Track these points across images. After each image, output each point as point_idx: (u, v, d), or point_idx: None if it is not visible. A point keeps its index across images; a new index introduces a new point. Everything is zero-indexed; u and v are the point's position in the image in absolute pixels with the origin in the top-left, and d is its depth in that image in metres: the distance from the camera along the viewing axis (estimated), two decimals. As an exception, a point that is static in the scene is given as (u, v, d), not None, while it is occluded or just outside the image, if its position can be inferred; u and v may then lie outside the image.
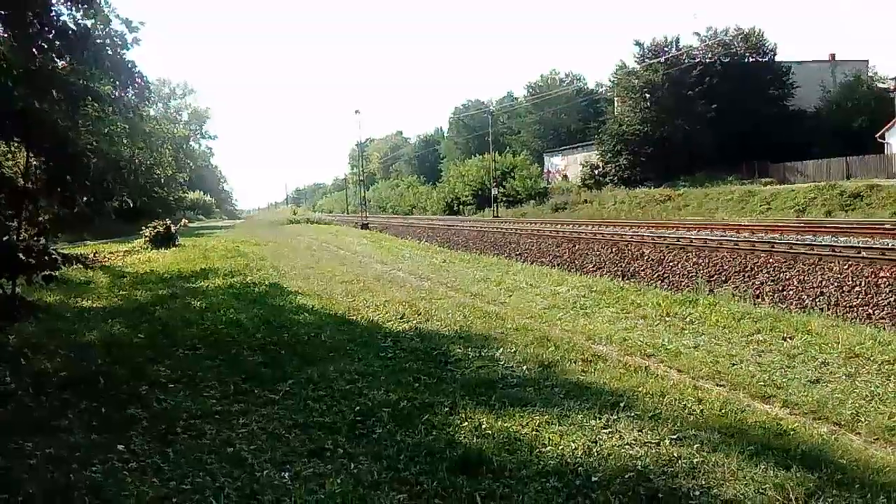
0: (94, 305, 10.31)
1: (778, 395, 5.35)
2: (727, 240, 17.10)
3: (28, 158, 8.54)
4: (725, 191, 35.34)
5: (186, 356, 6.88)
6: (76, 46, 7.89)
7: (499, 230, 29.73)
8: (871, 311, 11.20)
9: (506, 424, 4.67)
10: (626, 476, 3.82)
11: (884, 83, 44.68)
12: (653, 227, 24.36)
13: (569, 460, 4.07)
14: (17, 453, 4.29)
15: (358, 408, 5.09)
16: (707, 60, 44.92)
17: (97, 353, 6.90)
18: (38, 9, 7.51)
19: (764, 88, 43.43)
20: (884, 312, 10.98)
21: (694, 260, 16.12)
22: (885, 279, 11.53)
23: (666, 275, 16.38)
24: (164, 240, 24.03)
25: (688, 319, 8.43)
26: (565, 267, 19.07)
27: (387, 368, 6.30)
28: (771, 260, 14.14)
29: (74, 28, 7.93)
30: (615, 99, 51.75)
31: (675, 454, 4.12)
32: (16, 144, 9.38)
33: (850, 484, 3.68)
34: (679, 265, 16.37)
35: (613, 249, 19.38)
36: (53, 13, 7.91)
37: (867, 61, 49.63)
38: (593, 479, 3.81)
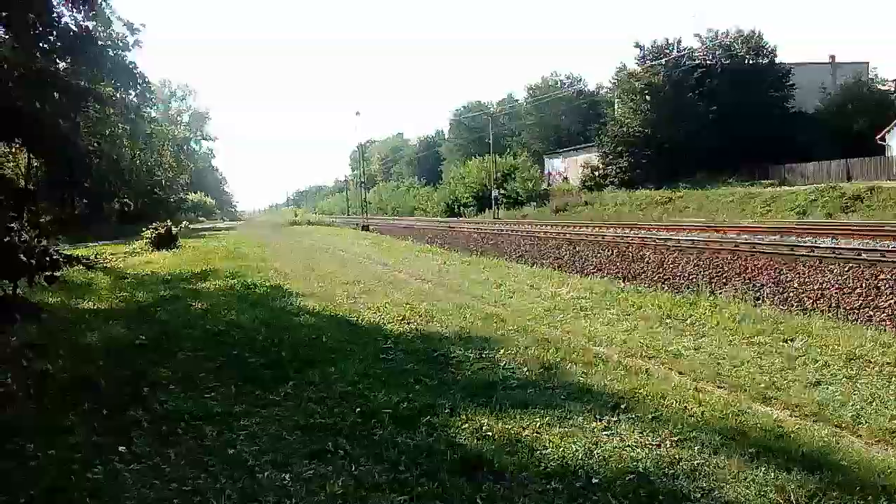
0: (96, 307, 10.31)
1: (779, 397, 5.35)
2: (728, 242, 17.09)
3: (29, 160, 8.57)
4: (726, 193, 35.33)
5: (188, 358, 6.88)
6: (77, 48, 7.92)
7: (499, 232, 29.73)
8: (871, 313, 11.19)
9: (506, 426, 4.67)
10: (627, 478, 3.82)
11: (884, 85, 44.71)
12: (653, 228, 24.36)
13: (569, 462, 4.07)
14: (18, 454, 4.29)
15: (359, 409, 5.09)
16: (708, 62, 44.93)
17: (98, 354, 6.90)
18: (40, 10, 7.55)
19: (764, 90, 43.39)
20: (884, 314, 10.97)
21: (695, 262, 16.11)
22: (885, 281, 11.52)
23: (667, 277, 16.38)
24: (165, 241, 24.07)
25: (689, 321, 8.43)
26: (566, 269, 19.08)
27: (387, 370, 6.30)
28: (771, 262, 14.13)
29: (76, 29, 7.97)
30: (615, 101, 51.72)
31: (676, 456, 4.12)
32: (17, 146, 9.41)
33: (851, 486, 3.68)
34: (680, 267, 16.36)
35: (614, 251, 19.37)
36: (55, 15, 7.94)
37: (867, 63, 49.70)
38: (594, 481, 3.81)
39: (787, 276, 13.39)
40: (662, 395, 5.30)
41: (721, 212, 32.67)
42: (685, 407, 5.05)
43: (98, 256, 17.88)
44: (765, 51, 44.83)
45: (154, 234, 24.37)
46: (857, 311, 11.39)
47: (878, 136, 36.98)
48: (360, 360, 6.68)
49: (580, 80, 73.16)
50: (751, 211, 31.42)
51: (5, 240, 7.34)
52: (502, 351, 6.88)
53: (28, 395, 5.55)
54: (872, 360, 6.24)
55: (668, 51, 45.61)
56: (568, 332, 8.07)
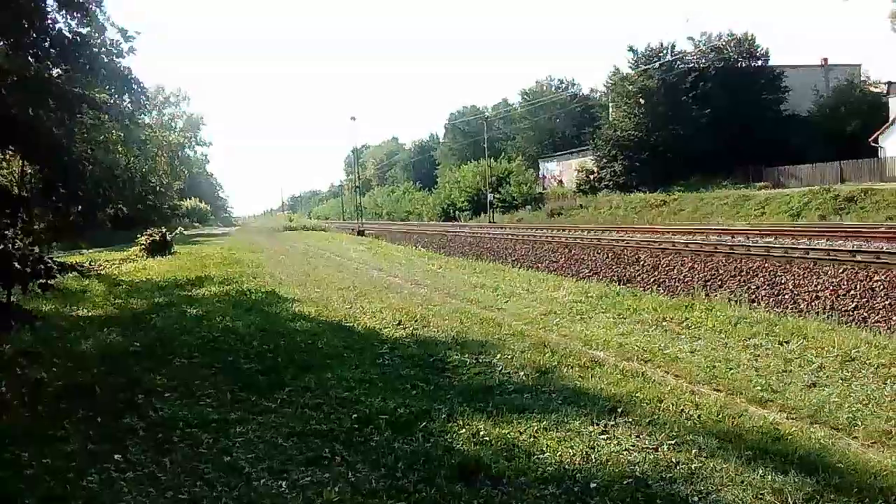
0: (90, 314, 10.28)
1: (775, 400, 5.36)
2: (723, 244, 17.15)
3: (23, 166, 8.53)
4: (720, 195, 35.46)
5: (183, 364, 6.86)
6: (71, 54, 7.90)
7: (495, 236, 29.75)
8: (866, 314, 11.23)
9: (503, 431, 4.67)
10: (625, 482, 3.82)
11: (876, 87, 44.95)
12: (648, 231, 24.41)
13: (567, 467, 4.07)
14: (13, 463, 4.27)
15: (355, 415, 5.08)
16: (701, 65, 45.14)
17: (93, 361, 6.87)
18: (34, 16, 7.53)
19: (757, 93, 43.61)
20: (879, 316, 11.01)
21: (690, 264, 16.16)
22: (879, 283, 11.58)
23: (662, 279, 16.40)
24: (159, 248, 23.99)
25: (684, 324, 8.45)
26: (561, 272, 19.08)
27: (384, 375, 6.29)
28: (766, 264, 14.19)
29: (70, 36, 7.95)
30: (610, 104, 51.90)
31: (674, 459, 4.13)
32: (11, 152, 9.37)
33: (847, 488, 3.69)
34: (675, 270, 16.40)
35: (609, 254, 19.41)
36: (49, 21, 7.92)
37: (859, 65, 49.98)
38: (591, 485, 3.81)
39: (781, 279, 13.44)
40: (659, 399, 5.30)
41: (715, 214, 32.77)
42: (682, 410, 5.06)
43: (92, 263, 17.82)
44: (757, 54, 45.10)
45: (148, 241, 24.29)
46: (851, 313, 11.42)
47: (871, 138, 37.17)
48: (357, 365, 6.67)
49: (574, 83, 73.54)
50: (745, 213, 31.53)
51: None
52: (498, 355, 6.88)
53: (23, 402, 5.51)
54: (868, 362, 6.26)
55: (661, 54, 45.77)
56: (564, 335, 8.07)
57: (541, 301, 10.80)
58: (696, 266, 15.92)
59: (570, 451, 4.31)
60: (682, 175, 41.67)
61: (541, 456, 4.25)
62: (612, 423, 4.80)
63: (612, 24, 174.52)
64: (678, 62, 45.01)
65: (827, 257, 13.34)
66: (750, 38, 45.16)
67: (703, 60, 45.62)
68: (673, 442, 4.41)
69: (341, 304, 10.82)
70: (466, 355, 6.93)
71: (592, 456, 4.23)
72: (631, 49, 47.91)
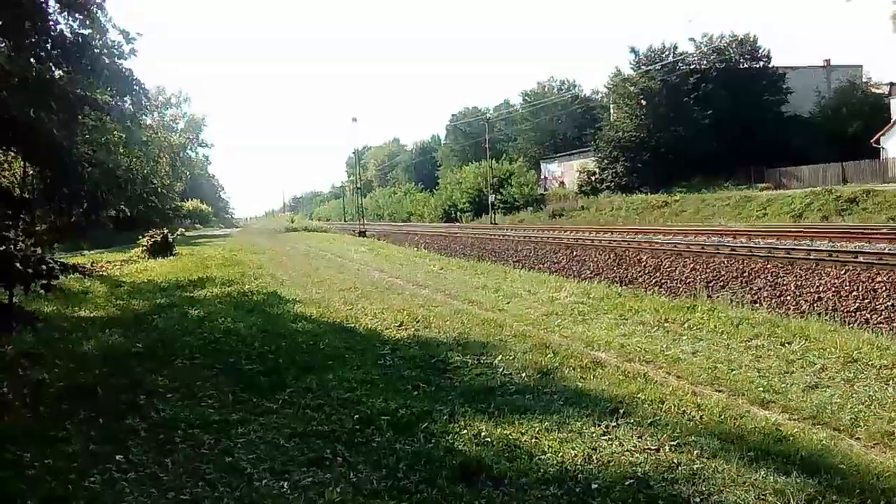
0: (92, 315, 10.29)
1: (777, 401, 5.35)
2: (724, 245, 17.12)
3: (25, 168, 8.54)
4: (722, 196, 35.41)
5: (184, 366, 6.86)
6: (73, 56, 7.92)
7: (496, 237, 29.75)
8: (868, 315, 11.21)
9: (505, 432, 4.66)
10: (627, 483, 3.82)
11: (878, 88, 44.90)
12: (650, 233, 24.38)
13: (569, 467, 4.07)
14: (15, 464, 4.27)
15: (357, 416, 5.08)
16: (703, 67, 45.11)
17: (95, 362, 6.88)
18: (36, 18, 7.54)
19: (759, 94, 43.58)
20: (881, 317, 11.00)
21: (691, 266, 16.14)
22: (882, 284, 11.56)
23: (664, 281, 16.40)
24: (161, 249, 24.05)
25: (686, 325, 8.43)
26: (563, 273, 19.07)
27: (385, 376, 6.29)
28: (768, 265, 14.17)
29: (71, 37, 7.96)
30: (611, 105, 51.87)
31: (675, 460, 4.12)
32: (13, 154, 9.38)
33: (850, 489, 3.68)
34: (677, 271, 16.39)
35: (611, 256, 19.39)
36: (51, 22, 7.94)
37: (861, 66, 49.91)
38: (593, 486, 3.80)
39: (783, 280, 13.42)
40: (661, 400, 5.30)
41: (717, 215, 32.73)
42: (683, 411, 5.05)
43: (94, 264, 17.84)
44: (758, 55, 45.06)
45: (150, 242, 24.36)
46: (853, 314, 11.41)
47: (873, 140, 37.13)
48: (358, 366, 6.68)
49: (576, 84, 73.52)
50: (747, 214, 31.48)
51: (1, 249, 7.32)
52: (500, 356, 6.87)
53: (24, 403, 5.52)
54: (870, 363, 6.25)
55: (663, 55, 45.79)
56: (566, 336, 8.06)
57: (542, 302, 10.80)
58: (697, 267, 15.90)
59: (572, 451, 4.30)
60: (683, 176, 41.63)
61: (542, 457, 4.24)
62: (614, 423, 4.79)
63: (614, 25, 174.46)
64: (680, 63, 44.99)
65: (829, 258, 13.32)
66: (752, 39, 45.12)
67: (705, 61, 45.61)
68: (675, 443, 4.40)
69: (343, 305, 10.82)
70: (468, 356, 6.93)
71: (594, 457, 4.22)
72: (632, 50, 47.92)
